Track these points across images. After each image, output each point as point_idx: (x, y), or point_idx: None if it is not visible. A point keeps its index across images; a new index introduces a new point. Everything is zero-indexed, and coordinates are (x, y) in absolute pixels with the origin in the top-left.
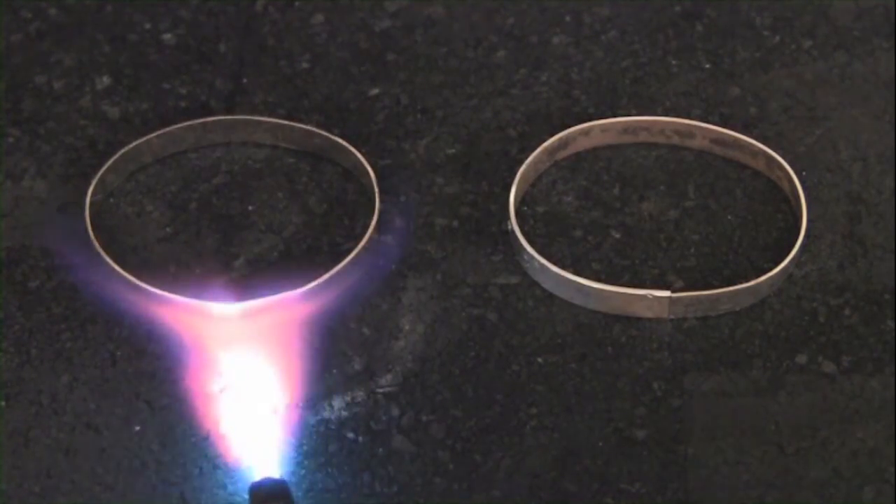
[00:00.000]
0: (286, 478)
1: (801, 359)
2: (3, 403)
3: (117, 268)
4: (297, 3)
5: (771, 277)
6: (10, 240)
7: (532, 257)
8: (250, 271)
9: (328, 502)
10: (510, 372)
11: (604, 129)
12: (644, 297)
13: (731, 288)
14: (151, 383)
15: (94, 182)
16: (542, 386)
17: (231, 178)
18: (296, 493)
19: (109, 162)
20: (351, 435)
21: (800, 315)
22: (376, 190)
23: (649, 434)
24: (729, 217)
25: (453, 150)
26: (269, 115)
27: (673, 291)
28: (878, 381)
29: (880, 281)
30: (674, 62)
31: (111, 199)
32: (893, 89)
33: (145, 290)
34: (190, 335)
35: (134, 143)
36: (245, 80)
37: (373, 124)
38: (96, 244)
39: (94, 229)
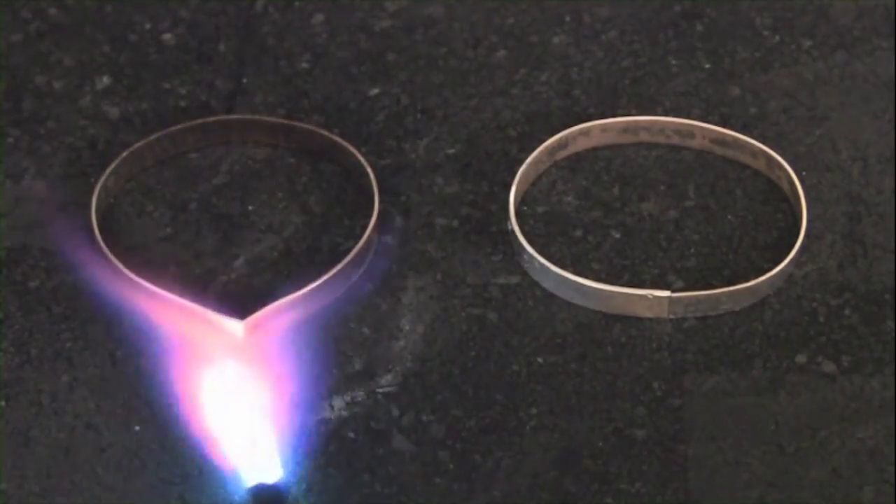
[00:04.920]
0: (286, 481)
1: (801, 359)
2: (3, 403)
3: (124, 268)
4: (297, 3)
5: (771, 277)
6: (10, 240)
7: (532, 257)
8: (250, 271)
9: (328, 502)
10: (510, 372)
11: (604, 129)
12: (644, 297)
13: (731, 288)
14: (151, 383)
15: (97, 186)
16: (542, 386)
17: (231, 178)
18: (296, 493)
19: (112, 166)
20: (351, 435)
21: (800, 315)
22: (376, 190)
23: (649, 434)
24: (729, 217)
25: (453, 150)
26: (269, 115)
27: (673, 291)
28: (878, 381)
29: (880, 281)
30: (674, 62)
31: (111, 200)
32: (893, 89)
33: (149, 290)
34: (191, 337)
35: (135, 146)
36: (245, 80)
37: (373, 124)
38: (104, 246)
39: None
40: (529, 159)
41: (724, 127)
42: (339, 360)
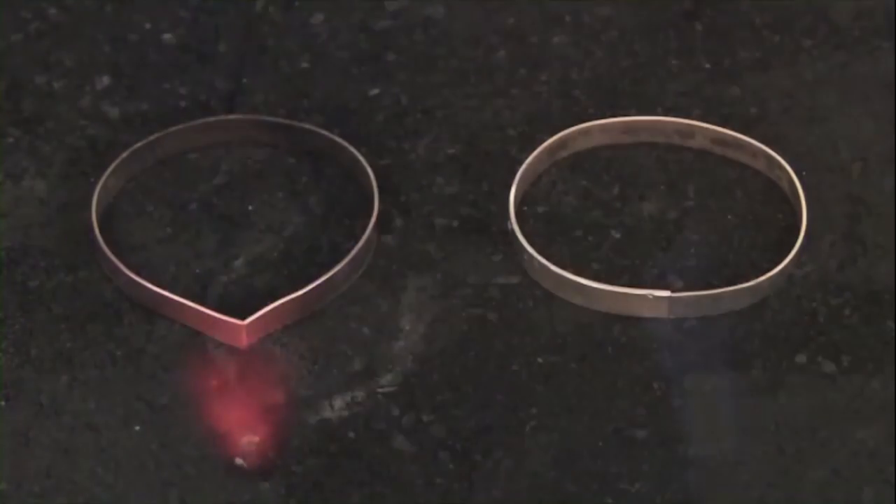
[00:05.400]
0: None
1: (801, 359)
2: (3, 403)
3: (124, 268)
4: (297, 3)
5: (771, 277)
6: (10, 240)
7: (532, 257)
8: (250, 271)
9: (329, 502)
10: (510, 372)
11: (603, 128)
12: (644, 297)
13: (731, 288)
14: (151, 383)
15: (98, 186)
16: (542, 386)
17: (231, 178)
18: (297, 492)
19: (112, 166)
20: (351, 435)
21: (800, 315)
22: (376, 190)
23: (649, 434)
24: (729, 217)
25: (453, 150)
26: (269, 115)
27: (673, 291)
28: (878, 381)
29: (880, 281)
30: (674, 62)
31: (111, 200)
32: (893, 89)
33: (149, 289)
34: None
35: (135, 146)
36: (245, 80)
37: (373, 124)
38: (104, 246)
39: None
40: (529, 159)
41: (724, 127)
42: (339, 360)
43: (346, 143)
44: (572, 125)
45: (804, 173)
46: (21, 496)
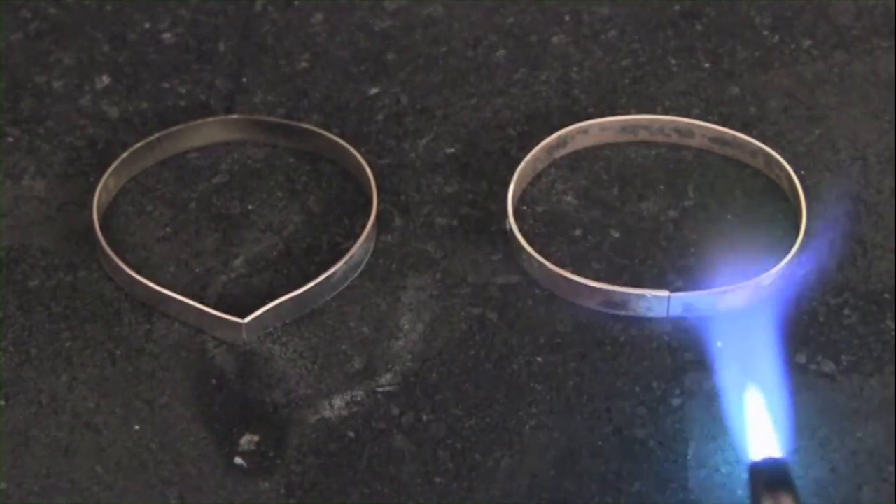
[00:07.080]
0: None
1: (801, 359)
2: (2, 403)
3: (125, 268)
4: (296, 3)
5: (771, 277)
6: (9, 239)
7: (531, 256)
8: (250, 271)
9: (328, 502)
10: (510, 372)
11: (602, 127)
12: (643, 296)
13: (730, 287)
14: (151, 383)
15: (98, 186)
16: (542, 386)
17: (231, 178)
18: (297, 492)
19: (112, 166)
20: (351, 435)
21: (800, 315)
22: (375, 190)
23: (649, 434)
24: (728, 216)
25: (453, 150)
26: (269, 115)
27: (672, 291)
28: (877, 381)
29: (880, 281)
30: (673, 62)
31: (111, 200)
32: (893, 89)
33: (150, 288)
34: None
35: (135, 146)
36: (245, 80)
37: (372, 124)
38: (105, 245)
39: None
40: (528, 157)
41: (723, 126)
42: (339, 360)
43: (345, 143)
44: (572, 124)
45: (803, 172)
46: (21, 496)
